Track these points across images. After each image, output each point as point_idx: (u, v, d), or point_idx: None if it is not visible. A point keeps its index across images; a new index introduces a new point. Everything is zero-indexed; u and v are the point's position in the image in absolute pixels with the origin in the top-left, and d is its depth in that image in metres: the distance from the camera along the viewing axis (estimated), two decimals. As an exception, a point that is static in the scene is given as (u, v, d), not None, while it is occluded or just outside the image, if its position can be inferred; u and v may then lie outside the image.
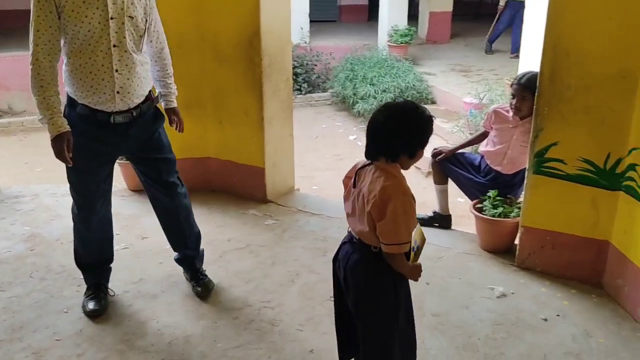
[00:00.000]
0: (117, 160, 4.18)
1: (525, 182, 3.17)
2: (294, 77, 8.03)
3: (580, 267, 3.12)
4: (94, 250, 2.92)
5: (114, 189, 4.27)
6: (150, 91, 2.72)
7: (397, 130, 1.87)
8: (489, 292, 3.05)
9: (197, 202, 4.05)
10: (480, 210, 3.50)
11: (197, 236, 3.09)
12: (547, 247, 3.18)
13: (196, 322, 2.80)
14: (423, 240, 1.99)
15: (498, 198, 3.49)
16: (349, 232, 2.06)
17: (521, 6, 7.20)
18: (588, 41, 2.79)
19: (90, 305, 2.85)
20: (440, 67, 9.20)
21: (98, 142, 2.62)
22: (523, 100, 3.43)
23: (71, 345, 2.62)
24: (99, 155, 2.67)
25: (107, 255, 2.98)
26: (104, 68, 2.47)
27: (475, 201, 3.61)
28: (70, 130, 2.47)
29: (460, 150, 3.87)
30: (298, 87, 9.01)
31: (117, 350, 2.59)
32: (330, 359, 2.50)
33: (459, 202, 4.70)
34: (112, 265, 3.00)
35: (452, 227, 3.99)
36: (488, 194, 3.52)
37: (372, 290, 1.98)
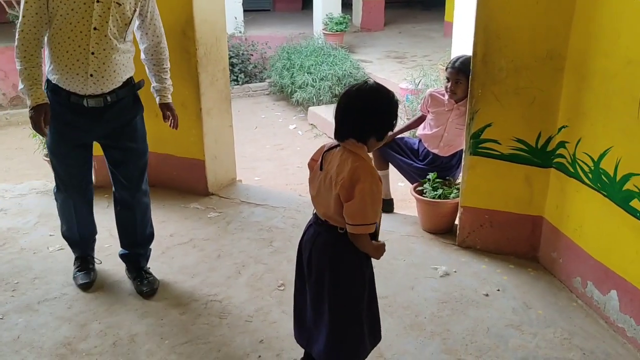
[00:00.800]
0: (46, 158, 4.04)
1: (462, 163, 3.26)
2: (230, 68, 7.90)
3: (517, 243, 3.24)
4: (77, 228, 2.95)
5: (44, 188, 4.15)
6: (131, 78, 2.69)
7: (371, 111, 1.89)
8: (432, 272, 3.12)
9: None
10: (420, 192, 3.57)
11: (150, 236, 3.02)
12: (485, 225, 3.29)
13: (140, 320, 2.72)
14: (380, 217, 2.02)
15: (437, 180, 3.57)
16: (314, 215, 2.05)
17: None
18: (517, 24, 2.88)
19: (80, 277, 2.96)
20: (375, 55, 9.30)
21: (72, 126, 2.62)
22: (457, 83, 3.51)
23: (9, 352, 2.50)
24: (74, 138, 2.67)
25: (89, 231, 3.04)
26: (80, 49, 2.46)
27: (415, 184, 3.68)
28: (48, 103, 2.51)
29: (399, 136, 3.93)
30: (235, 77, 8.89)
31: (58, 355, 2.48)
32: (281, 348, 2.50)
33: (399, 187, 4.79)
34: (96, 237, 3.11)
35: (394, 210, 4.06)
36: (428, 177, 3.59)
37: (339, 271, 1.99)
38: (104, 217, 3.71)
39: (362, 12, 11.33)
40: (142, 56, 2.84)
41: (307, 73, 8.04)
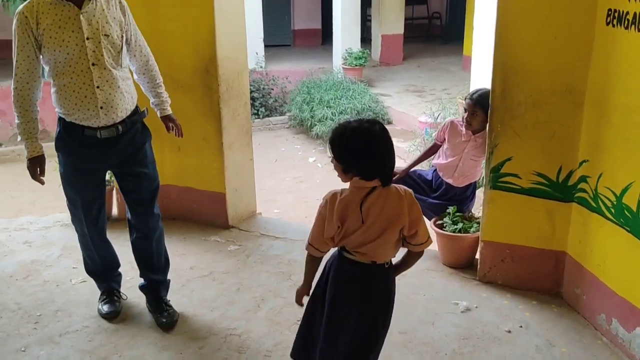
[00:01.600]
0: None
1: (483, 197, 3.24)
2: (251, 102, 8.04)
3: (539, 279, 3.20)
4: (98, 257, 3.02)
5: (68, 220, 4.20)
6: (137, 106, 2.81)
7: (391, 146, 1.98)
8: (453, 307, 3.09)
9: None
10: (440, 226, 3.56)
11: (166, 263, 3.08)
12: (507, 260, 3.25)
13: (160, 353, 2.73)
14: None
15: (457, 214, 3.56)
16: (351, 262, 2.03)
17: None
18: (535, 59, 2.90)
19: (105, 308, 3.00)
20: (394, 88, 9.38)
21: (86, 158, 2.73)
22: (473, 115, 3.52)
23: (29, 385, 2.52)
24: (88, 170, 2.78)
25: (111, 262, 3.10)
26: (85, 86, 2.58)
27: (435, 218, 3.66)
28: (43, 154, 2.68)
29: (412, 169, 3.92)
30: (255, 111, 9.02)
31: (78, 388, 2.50)
32: (300, 383, 2.48)
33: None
34: (121, 271, 3.17)
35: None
36: (447, 210, 3.58)
37: (391, 302, 2.13)
38: (127, 249, 3.75)
39: (381, 46, 11.48)
40: (135, 77, 2.95)
41: (327, 107, 8.13)
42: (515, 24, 2.91)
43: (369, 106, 8.15)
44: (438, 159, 3.84)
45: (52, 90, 2.66)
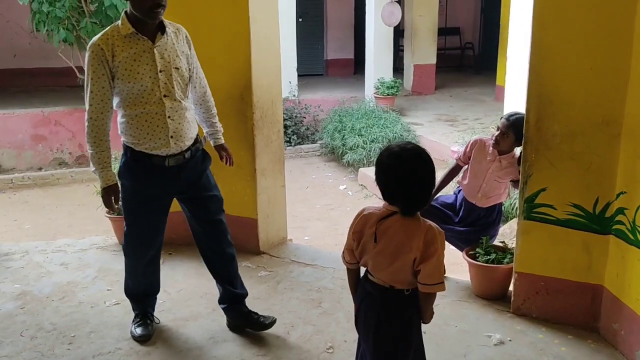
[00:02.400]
0: (107, 215, 4.22)
1: (517, 227, 3.20)
2: (284, 130, 8.14)
3: (576, 312, 3.12)
4: (144, 283, 3.07)
5: (104, 243, 4.32)
6: (197, 134, 2.91)
7: (433, 177, 1.96)
8: (486, 340, 3.03)
9: (189, 256, 4.06)
10: (473, 256, 3.51)
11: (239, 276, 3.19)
12: (541, 292, 3.19)
13: (191, 378, 2.74)
14: None
15: (490, 244, 3.51)
16: (370, 283, 2.06)
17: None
18: (571, 90, 2.89)
19: (139, 330, 3.03)
20: (426, 118, 9.38)
21: (153, 185, 2.79)
22: (504, 136, 3.47)
23: (62, 406, 2.55)
24: (154, 197, 2.83)
25: (155, 287, 3.15)
26: (157, 116, 2.68)
27: (467, 248, 3.62)
28: (117, 183, 2.75)
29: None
30: (287, 139, 9.12)
31: (109, 410, 2.52)
32: (329, 413, 2.46)
33: (451, 249, 4.70)
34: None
35: (446, 274, 3.98)
36: (480, 240, 3.54)
37: (413, 331, 2.09)
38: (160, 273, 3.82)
39: (413, 76, 11.54)
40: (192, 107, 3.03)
41: (358, 135, 8.17)
42: (550, 53, 2.90)
43: (401, 135, 8.16)
44: (463, 179, 3.78)
45: (121, 120, 2.74)
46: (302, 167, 8.65)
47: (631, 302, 2.80)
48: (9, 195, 7.72)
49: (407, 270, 1.99)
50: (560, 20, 2.86)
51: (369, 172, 7.54)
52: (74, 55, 7.34)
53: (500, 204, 3.74)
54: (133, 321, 3.10)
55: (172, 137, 2.71)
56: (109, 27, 2.68)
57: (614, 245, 2.91)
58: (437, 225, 2.01)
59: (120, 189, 2.81)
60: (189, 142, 2.81)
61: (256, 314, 3.10)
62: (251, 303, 3.43)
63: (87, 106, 2.64)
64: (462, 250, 3.65)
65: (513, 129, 3.42)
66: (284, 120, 8.62)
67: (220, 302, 3.14)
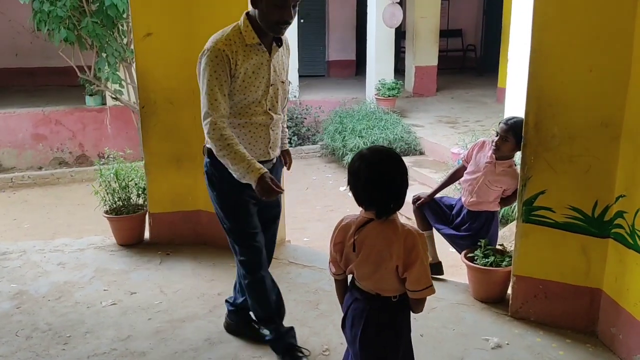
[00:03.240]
0: (106, 215, 4.21)
1: (515, 230, 3.18)
2: (284, 130, 8.13)
3: (574, 316, 3.10)
4: (274, 295, 2.81)
5: (102, 243, 4.31)
6: None
7: (404, 177, 1.92)
8: (483, 343, 3.01)
9: (187, 256, 4.06)
10: (472, 259, 3.49)
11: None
12: (540, 296, 3.17)
13: (186, 379, 2.72)
14: None
15: (489, 247, 3.49)
16: (358, 290, 2.03)
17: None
18: (570, 92, 2.87)
19: None
20: (427, 119, 9.36)
21: (246, 190, 2.59)
22: (504, 140, 3.46)
23: (56, 406, 2.54)
24: (249, 200, 2.67)
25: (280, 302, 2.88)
26: (261, 127, 2.62)
27: (466, 250, 3.60)
28: (267, 170, 2.47)
29: (438, 195, 3.87)
30: (288, 139, 9.10)
31: (103, 411, 2.50)
32: (324, 415, 2.44)
33: (451, 252, 4.69)
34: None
35: (445, 276, 3.97)
36: (479, 243, 3.52)
37: (403, 336, 2.04)
38: (156, 273, 3.82)
39: (414, 77, 11.52)
40: None
41: (359, 136, 8.15)
42: (550, 55, 2.89)
43: (401, 136, 8.15)
44: (462, 179, 3.78)
45: None
46: (302, 168, 8.64)
47: (629, 306, 2.78)
48: (8, 194, 7.73)
49: (391, 278, 1.94)
50: (560, 22, 2.85)
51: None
52: (74, 54, 7.33)
53: (492, 214, 3.69)
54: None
55: (270, 147, 2.68)
56: (229, 31, 2.51)
57: (613, 249, 2.89)
58: (416, 229, 1.95)
59: (218, 197, 2.71)
60: (279, 150, 2.83)
61: (257, 324, 3.00)
62: (248, 304, 3.42)
63: (208, 111, 2.44)
64: (460, 253, 3.64)
65: (512, 133, 3.40)
66: (285, 121, 8.61)
67: (227, 301, 3.07)
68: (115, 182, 4.28)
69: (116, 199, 4.31)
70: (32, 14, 6.96)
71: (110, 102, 8.33)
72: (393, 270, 1.92)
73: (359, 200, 1.97)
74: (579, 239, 2.99)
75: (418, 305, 1.98)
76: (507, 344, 3.01)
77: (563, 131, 2.91)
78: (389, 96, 9.87)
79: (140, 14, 3.99)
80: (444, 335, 3.09)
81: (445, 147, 7.41)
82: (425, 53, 11.41)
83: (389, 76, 10.39)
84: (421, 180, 7.10)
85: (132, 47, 5.80)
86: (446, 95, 11.56)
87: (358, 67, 13.65)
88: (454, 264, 4.50)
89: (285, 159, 3.05)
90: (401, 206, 1.94)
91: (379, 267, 1.93)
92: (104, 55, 7.08)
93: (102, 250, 4.18)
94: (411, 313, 2.06)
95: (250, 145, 2.62)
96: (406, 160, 7.81)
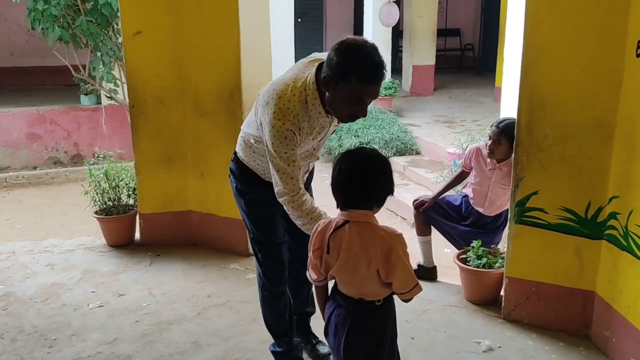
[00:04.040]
0: (96, 216, 4.17)
1: (507, 231, 3.14)
2: (280, 130, 8.06)
3: (567, 319, 3.05)
4: (288, 310, 2.71)
5: (92, 244, 4.27)
6: None
7: (382, 175, 1.89)
8: (475, 347, 2.96)
9: (178, 257, 4.02)
10: (464, 260, 3.45)
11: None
12: (532, 298, 3.12)
13: (171, 383, 2.68)
14: None
15: (482, 248, 3.45)
16: (340, 295, 1.98)
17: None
18: (563, 91, 2.83)
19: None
20: (424, 119, 9.30)
21: (268, 204, 2.49)
22: (497, 144, 3.43)
23: (38, 411, 2.50)
24: (276, 212, 2.53)
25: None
26: (302, 163, 2.43)
27: (459, 252, 3.56)
28: None
29: (440, 197, 3.84)
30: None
31: (86, 416, 2.46)
32: (311, 421, 2.40)
33: (446, 253, 4.65)
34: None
35: (439, 278, 3.93)
36: (472, 244, 3.48)
37: (387, 337, 2.00)
38: (145, 274, 3.78)
39: (411, 77, 11.46)
40: None
41: (355, 136, 8.09)
42: (542, 55, 2.84)
43: (398, 136, 8.08)
44: (468, 188, 3.75)
45: (251, 148, 2.47)
46: (298, 167, 8.58)
47: (623, 309, 2.73)
48: (2, 194, 7.67)
49: (372, 282, 1.90)
50: (552, 20, 2.80)
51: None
52: (69, 53, 7.28)
53: (507, 210, 3.67)
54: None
55: (305, 172, 2.58)
56: (296, 100, 2.20)
57: (606, 251, 2.85)
58: (392, 229, 1.90)
59: (245, 206, 2.60)
60: None
61: (316, 338, 2.89)
62: (238, 306, 3.39)
63: (283, 189, 2.28)
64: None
65: (505, 136, 3.37)
66: (281, 120, 8.54)
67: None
68: (105, 182, 4.23)
69: (106, 199, 4.27)
70: (27, 13, 6.91)
71: (105, 101, 8.27)
72: (374, 275, 1.88)
73: (337, 200, 1.95)
74: (572, 240, 2.94)
75: (408, 301, 1.96)
76: (499, 347, 2.96)
77: (556, 131, 2.86)
78: (386, 95, 9.80)
79: (130, 12, 3.95)
80: (435, 338, 3.05)
81: (442, 147, 7.34)
82: (422, 52, 11.35)
83: (386, 75, 10.32)
84: (417, 180, 7.05)
85: (125, 45, 5.75)
86: (443, 95, 11.51)
87: (356, 66, 13.57)
88: (449, 264, 4.45)
89: None
90: (379, 207, 1.92)
91: (357, 272, 1.89)
92: (98, 54, 7.02)
93: (92, 251, 4.14)
94: (397, 316, 2.04)
95: None
96: (402, 160, 7.80)
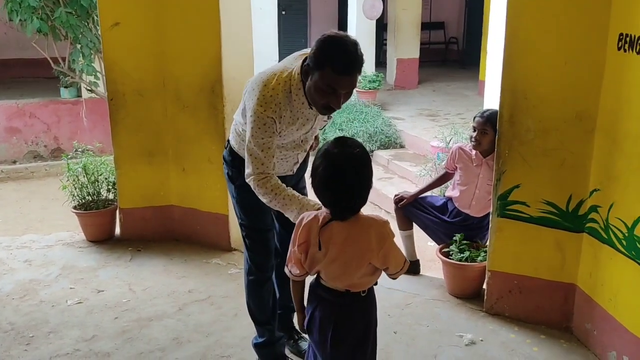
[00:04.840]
0: (75, 211, 4.10)
1: (490, 225, 3.14)
2: (263, 123, 8.01)
3: (548, 312, 3.06)
4: (272, 305, 2.72)
5: (71, 239, 4.20)
6: None
7: (368, 173, 1.87)
8: (457, 340, 2.96)
9: (158, 252, 3.97)
10: (447, 254, 3.44)
11: None
12: (514, 291, 3.13)
13: (151, 380, 2.64)
14: None
15: (464, 242, 3.44)
16: (326, 289, 1.95)
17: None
18: (545, 85, 2.82)
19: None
20: (408, 112, 9.30)
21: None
22: (484, 133, 3.40)
23: (14, 410, 2.45)
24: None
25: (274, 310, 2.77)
26: (291, 153, 2.49)
27: (441, 245, 3.55)
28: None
29: (421, 196, 3.82)
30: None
31: (63, 415, 2.42)
32: (292, 417, 2.38)
33: (429, 246, 4.65)
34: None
35: (422, 272, 3.92)
36: (454, 238, 3.47)
37: (372, 328, 2.03)
38: (125, 270, 3.73)
39: (396, 70, 11.45)
40: None
41: (339, 130, 8.07)
42: (524, 48, 2.83)
43: (382, 129, 8.08)
44: (453, 191, 3.71)
45: (241, 137, 2.47)
46: (282, 161, 8.54)
47: (604, 302, 2.75)
48: (-19, 189, 7.55)
49: (364, 273, 1.91)
50: (534, 13, 2.79)
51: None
52: (48, 45, 7.15)
53: None
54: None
55: (295, 165, 2.58)
56: (280, 89, 2.24)
57: (587, 244, 2.86)
58: (379, 217, 1.91)
59: (235, 190, 2.58)
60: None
61: (298, 334, 2.89)
62: (220, 302, 3.35)
63: (250, 172, 2.31)
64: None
65: (490, 125, 3.34)
66: (264, 113, 8.48)
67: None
68: (83, 176, 4.16)
69: (85, 194, 4.20)
70: (4, 4, 6.76)
71: (85, 94, 8.15)
72: (366, 266, 1.89)
73: (322, 200, 1.92)
74: (553, 233, 2.95)
75: (397, 278, 2.00)
76: (481, 340, 2.97)
77: (537, 124, 2.86)
78: (370, 89, 9.79)
79: (108, 3, 3.87)
80: (417, 332, 3.04)
81: (426, 140, 7.35)
82: (406, 45, 11.34)
83: (370, 69, 10.30)
84: (401, 174, 7.05)
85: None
86: (428, 88, 11.52)
87: (340, 59, 13.52)
88: (432, 258, 4.45)
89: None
90: (362, 204, 1.89)
91: (351, 267, 1.89)
92: (78, 46, 6.90)
93: (71, 247, 4.07)
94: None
95: (279, 162, 2.48)
96: (386, 153, 7.80)
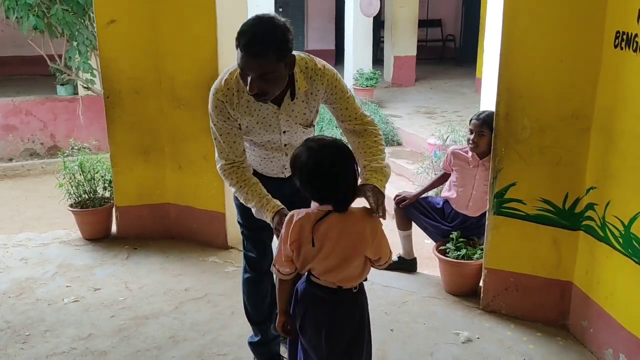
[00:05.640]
0: (71, 209, 4.09)
1: (486, 223, 3.14)
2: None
3: (545, 309, 3.07)
4: (265, 300, 2.68)
5: (67, 237, 4.19)
6: None
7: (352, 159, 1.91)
8: (454, 338, 2.97)
9: (155, 250, 3.96)
10: (443, 252, 3.44)
11: None
12: (511, 289, 3.13)
13: (148, 379, 2.64)
14: None
15: (461, 240, 3.45)
16: (320, 288, 1.94)
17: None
18: (541, 83, 2.82)
19: None
20: (405, 110, 9.30)
21: (267, 185, 2.40)
22: (481, 136, 3.40)
23: (10, 409, 2.44)
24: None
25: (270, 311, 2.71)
26: (277, 156, 2.41)
27: (438, 243, 3.55)
28: (285, 207, 2.22)
29: (422, 195, 3.81)
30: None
31: (59, 414, 2.41)
32: (288, 415, 2.37)
33: (426, 244, 4.65)
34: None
35: (419, 269, 3.92)
36: (451, 236, 3.47)
37: (366, 323, 2.03)
38: (122, 268, 3.72)
39: (393, 68, 11.45)
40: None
41: (336, 127, 8.07)
42: (520, 46, 2.83)
43: (379, 127, 8.07)
44: (449, 192, 3.69)
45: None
46: (279, 159, 8.53)
47: (600, 300, 2.75)
48: (-24, 187, 7.52)
49: (358, 267, 1.92)
50: (530, 11, 2.79)
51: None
52: (45, 42, 7.12)
53: None
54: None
55: (285, 167, 2.45)
56: (233, 71, 2.20)
57: (584, 242, 2.86)
58: (369, 212, 1.92)
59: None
60: None
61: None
62: (216, 300, 3.35)
63: (217, 158, 2.33)
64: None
65: (487, 126, 3.34)
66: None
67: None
68: (80, 174, 4.15)
69: (81, 192, 4.19)
70: (1, 1, 6.74)
71: (82, 91, 8.15)
72: (361, 259, 1.90)
73: (319, 196, 1.91)
74: (550, 231, 2.95)
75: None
76: (478, 338, 2.97)
77: (534, 122, 2.86)
78: (367, 86, 9.80)
79: (103, 0, 3.85)
80: (414, 329, 3.05)
81: (423, 137, 7.36)
82: (404, 43, 11.34)
83: (367, 66, 10.31)
84: (398, 172, 7.05)
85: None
86: (425, 86, 11.53)
87: (338, 56, 13.52)
88: (429, 255, 4.45)
89: (366, 194, 2.06)
90: (354, 195, 1.93)
91: (347, 260, 1.89)
92: (74, 43, 6.88)
93: (67, 245, 4.06)
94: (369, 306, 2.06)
95: (267, 167, 2.46)
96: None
